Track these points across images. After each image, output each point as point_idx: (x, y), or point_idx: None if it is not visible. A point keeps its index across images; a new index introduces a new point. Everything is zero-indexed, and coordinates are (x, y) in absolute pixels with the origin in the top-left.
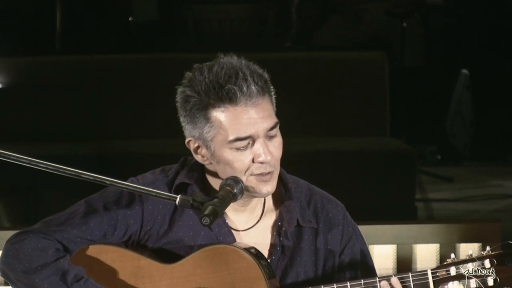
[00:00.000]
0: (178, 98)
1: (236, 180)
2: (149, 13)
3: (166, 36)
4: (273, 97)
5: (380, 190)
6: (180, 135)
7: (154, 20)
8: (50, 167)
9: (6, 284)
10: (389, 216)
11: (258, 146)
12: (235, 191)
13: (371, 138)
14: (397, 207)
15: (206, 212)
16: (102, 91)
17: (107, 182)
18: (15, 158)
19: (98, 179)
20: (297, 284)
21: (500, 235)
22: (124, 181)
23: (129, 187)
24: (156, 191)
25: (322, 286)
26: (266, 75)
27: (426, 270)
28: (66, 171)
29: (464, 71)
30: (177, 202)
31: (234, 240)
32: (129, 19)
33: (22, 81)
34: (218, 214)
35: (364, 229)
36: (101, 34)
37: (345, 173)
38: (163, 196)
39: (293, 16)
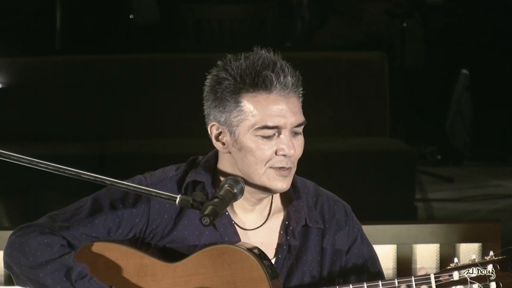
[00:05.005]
0: (209, 81)
1: (236, 180)
2: (149, 13)
3: (166, 36)
4: (301, 99)
5: (380, 190)
6: (180, 135)
7: (154, 21)
8: (50, 167)
9: (6, 284)
10: (389, 216)
11: (284, 139)
12: (235, 191)
13: (371, 138)
14: (397, 207)
15: (206, 212)
16: (102, 91)
17: (107, 182)
18: (15, 158)
19: (98, 179)
20: (303, 284)
21: (500, 235)
22: (125, 180)
23: (129, 187)
24: (156, 191)
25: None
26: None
27: (429, 274)
28: (66, 171)
29: (464, 71)
30: (177, 202)
31: (239, 241)
32: (130, 16)
33: (22, 81)
34: (218, 214)
35: (364, 229)
36: (101, 34)
37: (345, 173)
38: (163, 196)
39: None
